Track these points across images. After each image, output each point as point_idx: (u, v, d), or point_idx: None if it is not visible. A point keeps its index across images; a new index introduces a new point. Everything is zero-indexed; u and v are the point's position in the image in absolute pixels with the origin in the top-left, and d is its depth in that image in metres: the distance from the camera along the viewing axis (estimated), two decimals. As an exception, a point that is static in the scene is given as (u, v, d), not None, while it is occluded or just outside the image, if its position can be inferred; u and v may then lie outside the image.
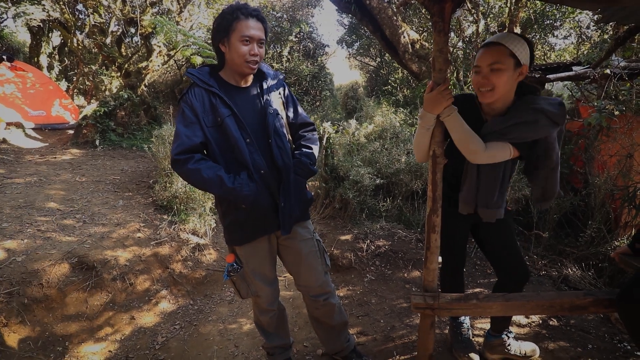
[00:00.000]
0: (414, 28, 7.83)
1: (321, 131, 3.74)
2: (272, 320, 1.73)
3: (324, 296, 1.67)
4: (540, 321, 2.12)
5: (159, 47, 7.04)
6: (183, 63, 9.42)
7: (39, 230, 2.82)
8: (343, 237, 3.16)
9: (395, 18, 5.91)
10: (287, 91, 1.61)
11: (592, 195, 2.99)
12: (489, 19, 6.53)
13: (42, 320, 2.24)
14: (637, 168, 2.92)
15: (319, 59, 10.50)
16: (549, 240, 2.96)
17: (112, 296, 2.55)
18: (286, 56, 9.54)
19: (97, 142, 5.73)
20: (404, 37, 6.02)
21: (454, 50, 6.53)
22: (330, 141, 3.76)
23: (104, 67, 8.79)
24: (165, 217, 3.35)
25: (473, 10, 5.99)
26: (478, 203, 1.48)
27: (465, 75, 5.94)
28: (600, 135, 3.33)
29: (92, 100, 8.51)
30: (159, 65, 7.35)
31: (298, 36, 10.00)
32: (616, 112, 3.15)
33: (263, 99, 1.48)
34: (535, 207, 1.52)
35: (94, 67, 8.52)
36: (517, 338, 1.87)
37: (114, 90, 7.98)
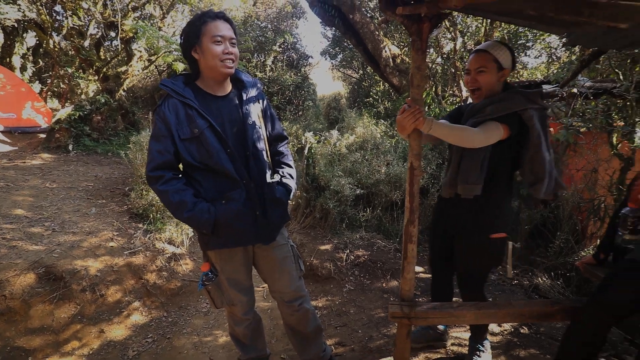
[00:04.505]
0: (395, 43, 8.06)
1: (303, 141, 3.76)
2: (247, 331, 1.71)
3: (298, 300, 1.66)
4: (512, 329, 2.18)
5: (140, 52, 6.93)
6: (165, 69, 9.28)
7: (4, 239, 2.68)
8: (323, 247, 3.16)
9: (377, 33, 6.07)
10: (265, 102, 1.60)
11: (561, 207, 3.13)
12: (465, 37, 6.81)
13: (3, 333, 2.11)
14: (602, 182, 3.10)
15: (303, 69, 10.60)
16: (521, 250, 3.06)
17: (80, 308, 2.44)
18: (270, 65, 9.58)
19: (70, 147, 5.53)
20: (386, 51, 6.19)
21: (433, 66, 6.76)
22: (312, 151, 3.78)
23: (80, 70, 8.54)
24: (140, 225, 3.25)
25: (451, 28, 6.25)
26: (459, 181, 1.55)
27: (444, 90, 6.15)
28: (568, 151, 3.51)
29: (66, 104, 8.23)
30: (139, 70, 7.22)
31: (282, 46, 10.08)
32: (583, 129, 3.34)
33: (242, 110, 1.47)
34: (535, 195, 1.57)
35: (70, 70, 8.25)
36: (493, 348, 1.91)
37: (91, 94, 7.76)
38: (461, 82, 5.56)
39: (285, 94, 9.39)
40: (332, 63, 11.47)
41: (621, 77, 3.22)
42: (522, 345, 2.02)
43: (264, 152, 1.55)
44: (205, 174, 1.43)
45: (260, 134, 1.53)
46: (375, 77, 9.24)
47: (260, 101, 1.57)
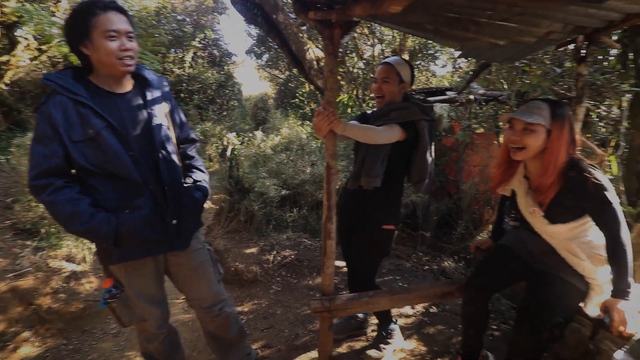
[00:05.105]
0: (319, 46, 8.28)
1: (224, 142, 3.63)
2: (162, 347, 1.57)
3: (218, 305, 1.59)
4: (424, 310, 2.41)
5: (27, 39, 5.91)
6: (60, 60, 8.07)
7: None
8: (248, 251, 3.09)
9: (300, 35, 6.15)
10: (173, 102, 1.50)
11: (462, 199, 3.57)
12: (384, 45, 7.33)
13: None
14: (493, 176, 3.61)
15: (226, 67, 10.21)
16: (430, 239, 3.41)
17: (-56, 349, 1.99)
18: (189, 62, 9.03)
19: None
20: (309, 53, 6.30)
21: (355, 70, 7.11)
22: (235, 153, 3.67)
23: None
24: (28, 243, 2.76)
25: (370, 35, 6.66)
26: (362, 173, 1.72)
27: (364, 94, 6.52)
28: (467, 149, 4.02)
29: None
30: (25, 61, 6.16)
31: (202, 42, 9.57)
32: (480, 130, 3.85)
33: (147, 110, 1.34)
34: (417, 191, 1.83)
35: None
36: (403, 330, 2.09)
37: (-41, 87, 6.36)
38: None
39: (207, 92, 8.97)
40: (257, 62, 11.33)
41: (505, 86, 3.80)
42: (431, 323, 2.24)
43: (175, 155, 1.45)
44: (103, 179, 1.27)
45: (169, 136, 1.42)
46: (301, 79, 9.38)
47: (168, 101, 1.46)
